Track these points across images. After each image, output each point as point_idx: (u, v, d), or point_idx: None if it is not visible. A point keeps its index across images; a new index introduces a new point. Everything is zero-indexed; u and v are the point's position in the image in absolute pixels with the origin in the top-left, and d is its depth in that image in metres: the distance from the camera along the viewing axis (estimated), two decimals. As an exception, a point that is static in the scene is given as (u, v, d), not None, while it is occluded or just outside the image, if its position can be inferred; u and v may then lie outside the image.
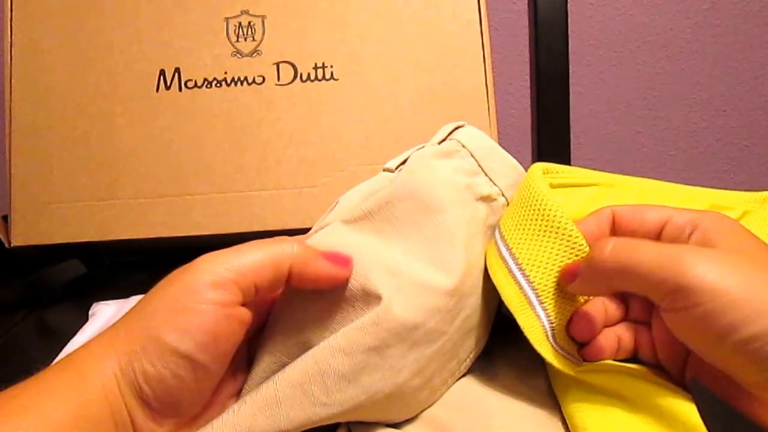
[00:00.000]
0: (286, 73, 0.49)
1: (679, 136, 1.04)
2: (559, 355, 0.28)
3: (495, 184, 0.31)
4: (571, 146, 0.57)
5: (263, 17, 0.50)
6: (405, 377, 0.26)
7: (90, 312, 0.44)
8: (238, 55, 0.49)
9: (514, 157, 0.32)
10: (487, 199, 0.31)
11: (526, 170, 0.32)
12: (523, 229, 0.28)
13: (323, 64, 0.49)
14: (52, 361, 0.31)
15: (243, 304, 0.26)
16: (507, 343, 0.32)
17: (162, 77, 0.49)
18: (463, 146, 0.31)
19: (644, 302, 0.29)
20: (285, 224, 0.48)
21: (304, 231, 0.31)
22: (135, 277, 0.50)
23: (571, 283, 0.27)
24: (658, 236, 0.27)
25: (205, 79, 0.49)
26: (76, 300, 0.47)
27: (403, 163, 0.31)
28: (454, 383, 0.30)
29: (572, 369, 0.28)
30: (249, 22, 0.49)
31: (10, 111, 0.48)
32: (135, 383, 0.24)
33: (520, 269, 0.28)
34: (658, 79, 1.01)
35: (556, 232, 0.28)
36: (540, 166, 0.32)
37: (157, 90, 0.49)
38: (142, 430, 0.24)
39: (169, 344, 0.24)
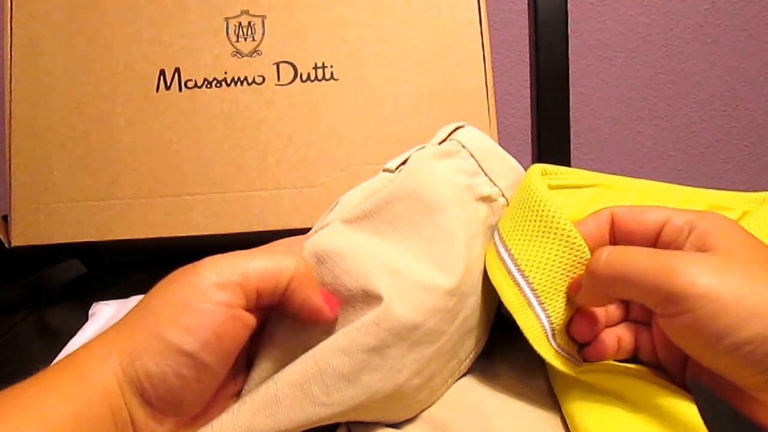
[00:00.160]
0: (286, 73, 0.49)
1: (679, 136, 1.04)
2: (559, 356, 0.28)
3: (495, 185, 0.32)
4: (571, 146, 0.57)
5: (263, 17, 0.50)
6: (405, 377, 0.27)
7: (90, 312, 0.44)
8: (238, 55, 0.49)
9: (514, 157, 0.32)
10: (487, 199, 0.31)
11: (526, 171, 0.32)
12: (522, 231, 0.28)
13: (323, 64, 0.49)
14: (52, 361, 0.31)
15: (246, 309, 0.26)
16: (507, 343, 0.32)
17: (162, 77, 0.49)
18: (464, 146, 0.31)
19: (644, 302, 0.29)
20: (285, 224, 0.48)
21: (304, 231, 0.31)
22: (135, 277, 0.50)
23: (577, 295, 0.28)
24: (656, 237, 0.27)
25: (205, 79, 0.49)
26: (76, 300, 0.47)
27: (404, 163, 0.31)
28: (454, 383, 0.30)
29: (572, 369, 0.28)
30: (249, 22, 0.49)
31: (10, 111, 0.48)
32: (137, 381, 0.24)
33: (519, 270, 0.28)
34: (658, 79, 1.01)
35: (555, 234, 0.28)
36: (539, 168, 0.32)
37: (157, 90, 0.49)
38: (142, 430, 0.24)
39: (173, 342, 0.24)
